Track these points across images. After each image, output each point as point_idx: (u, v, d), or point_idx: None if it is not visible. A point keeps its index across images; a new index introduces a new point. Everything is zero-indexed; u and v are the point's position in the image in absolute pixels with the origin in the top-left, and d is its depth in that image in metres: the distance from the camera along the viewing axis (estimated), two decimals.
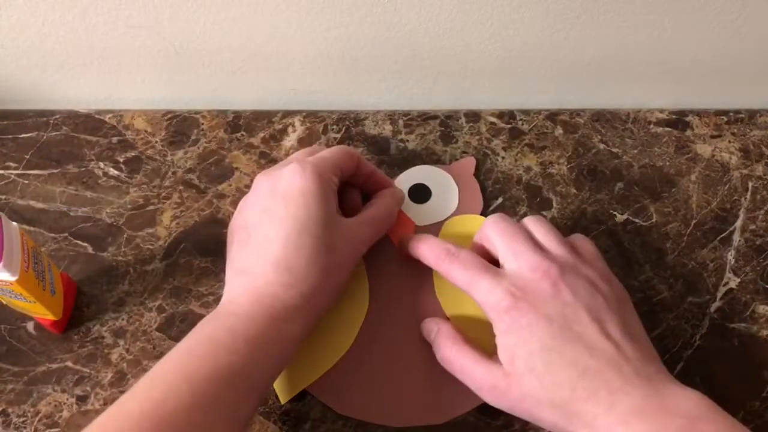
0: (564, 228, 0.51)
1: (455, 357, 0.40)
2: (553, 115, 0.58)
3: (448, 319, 0.46)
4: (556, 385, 0.35)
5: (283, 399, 0.43)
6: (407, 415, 0.43)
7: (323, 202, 0.40)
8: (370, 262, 0.49)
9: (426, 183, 0.53)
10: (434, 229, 0.50)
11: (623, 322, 0.37)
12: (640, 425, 0.32)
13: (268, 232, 0.39)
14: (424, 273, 0.48)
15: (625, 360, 0.35)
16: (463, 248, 0.42)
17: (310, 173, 0.40)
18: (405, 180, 0.53)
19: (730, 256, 0.50)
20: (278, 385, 0.44)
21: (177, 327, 0.46)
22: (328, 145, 0.56)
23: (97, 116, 0.57)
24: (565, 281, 0.37)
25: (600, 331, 0.36)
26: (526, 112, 0.58)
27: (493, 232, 0.42)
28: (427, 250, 0.43)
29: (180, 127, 0.57)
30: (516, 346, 0.36)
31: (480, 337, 0.46)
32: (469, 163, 0.54)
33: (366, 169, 0.46)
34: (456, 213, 0.51)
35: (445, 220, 0.51)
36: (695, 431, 0.32)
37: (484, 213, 0.52)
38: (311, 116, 0.58)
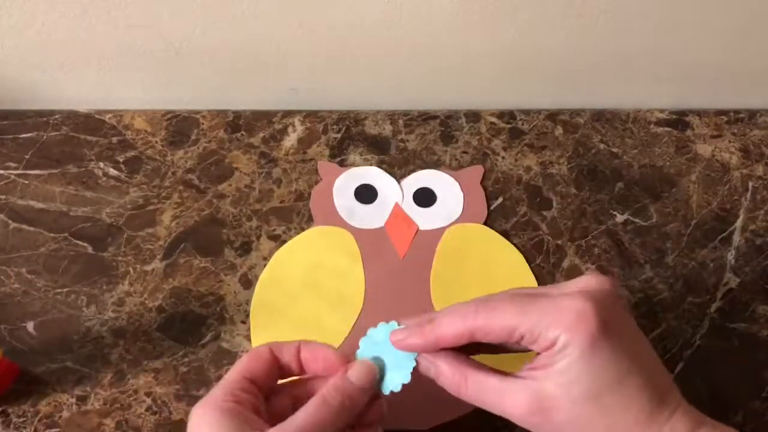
0: (564, 228, 0.51)
1: (469, 387, 0.34)
2: (553, 115, 0.58)
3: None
4: (621, 415, 0.31)
5: None
6: (394, 418, 0.43)
7: None
8: (368, 262, 0.49)
9: (432, 187, 0.53)
10: (436, 234, 0.50)
11: None
12: None
13: None
14: (419, 276, 0.48)
15: (673, 388, 0.32)
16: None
17: (194, 416, 0.33)
18: (411, 182, 0.53)
19: (730, 256, 0.50)
20: None
21: (177, 327, 0.46)
22: (328, 145, 0.56)
23: (97, 116, 0.57)
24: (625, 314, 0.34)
25: (655, 356, 0.33)
26: (526, 112, 0.58)
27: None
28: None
29: (180, 127, 0.57)
30: (584, 373, 0.31)
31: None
32: (476, 171, 0.54)
33: (292, 362, 0.36)
34: (459, 220, 0.51)
35: (448, 226, 0.51)
36: None
37: (486, 219, 0.52)
38: (311, 116, 0.58)
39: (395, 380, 0.35)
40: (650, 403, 0.30)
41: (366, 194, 0.52)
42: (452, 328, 0.32)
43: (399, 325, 0.35)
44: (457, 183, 0.53)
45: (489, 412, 0.44)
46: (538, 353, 0.32)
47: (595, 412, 0.30)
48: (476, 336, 0.32)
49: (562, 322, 0.30)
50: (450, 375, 0.33)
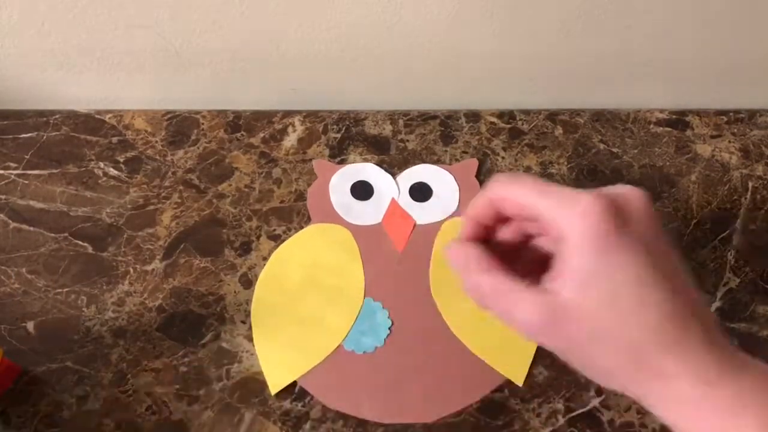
0: None
1: (489, 282, 0.30)
2: (553, 115, 0.58)
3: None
4: (640, 325, 0.28)
5: (273, 390, 0.44)
6: (397, 412, 0.43)
7: None
8: (367, 258, 0.49)
9: (427, 182, 0.53)
10: (433, 228, 0.50)
11: None
12: (729, 386, 0.27)
13: None
14: (420, 271, 0.48)
15: (702, 313, 0.29)
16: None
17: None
18: (406, 178, 0.53)
19: (730, 256, 0.50)
20: (269, 377, 0.44)
21: (177, 327, 0.46)
22: (328, 145, 0.56)
23: (97, 116, 0.57)
24: (655, 211, 0.30)
25: (686, 276, 0.29)
26: (526, 112, 0.58)
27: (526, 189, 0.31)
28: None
29: (180, 127, 0.57)
30: (599, 273, 0.28)
31: (480, 332, 0.46)
32: (471, 164, 0.54)
33: None
34: (456, 214, 0.51)
35: (445, 219, 0.51)
36: None
37: None
38: (311, 116, 0.58)
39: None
40: (676, 322, 0.27)
41: (362, 191, 0.53)
42: (477, 197, 0.31)
43: None
44: (452, 177, 0.53)
45: (489, 411, 0.44)
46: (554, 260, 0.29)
47: (611, 322, 0.27)
48: (496, 206, 0.31)
49: (575, 209, 0.28)
50: (476, 263, 0.30)
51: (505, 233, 0.33)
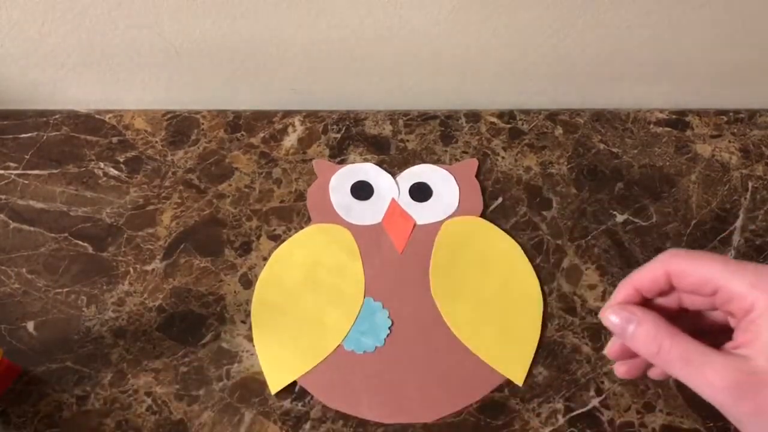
0: (564, 228, 0.51)
1: (673, 347, 0.30)
2: (553, 115, 0.58)
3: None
4: None
5: (273, 389, 0.44)
6: (397, 412, 0.43)
7: None
8: (367, 258, 0.49)
9: (427, 182, 0.53)
10: (433, 228, 0.50)
11: None
12: None
13: None
14: (420, 271, 0.48)
15: None
16: None
17: None
18: (406, 178, 0.53)
19: (730, 256, 0.50)
20: (270, 376, 0.44)
21: (177, 327, 0.46)
22: (328, 145, 0.56)
23: (97, 116, 0.57)
24: None
25: None
26: (526, 112, 0.58)
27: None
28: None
29: (180, 127, 0.57)
30: None
31: (480, 332, 0.46)
32: (471, 164, 0.54)
33: None
34: (456, 213, 0.51)
35: (445, 219, 0.51)
36: None
37: (484, 213, 0.52)
38: (311, 116, 0.58)
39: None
40: None
41: (362, 191, 0.53)
42: (648, 269, 0.32)
43: None
44: (452, 177, 0.53)
45: (489, 411, 0.44)
46: (735, 331, 0.30)
47: None
48: (672, 279, 0.31)
49: (761, 287, 0.28)
50: (653, 330, 0.30)
51: (662, 302, 0.33)
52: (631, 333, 0.31)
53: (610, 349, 0.34)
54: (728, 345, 0.30)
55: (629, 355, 0.33)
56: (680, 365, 0.30)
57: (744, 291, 0.29)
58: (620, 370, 0.34)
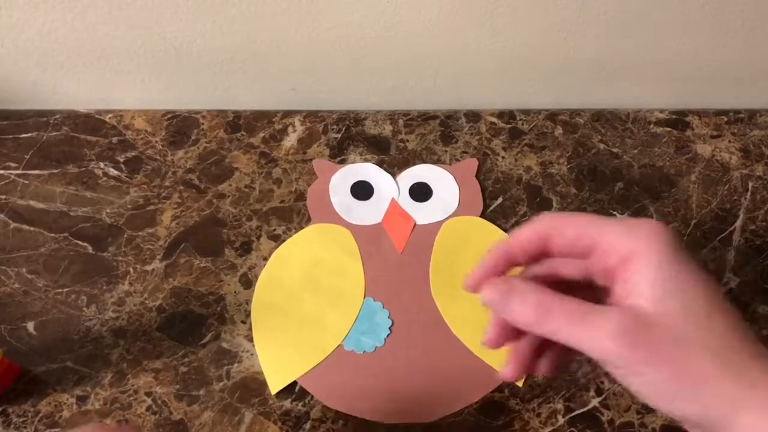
0: None
1: (557, 309, 0.29)
2: (553, 115, 0.58)
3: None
4: (718, 331, 0.27)
5: (273, 389, 0.44)
6: (397, 412, 0.43)
7: None
8: (367, 258, 0.49)
9: (427, 182, 0.53)
10: (433, 228, 0.50)
11: None
12: None
13: None
14: (420, 271, 0.48)
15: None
16: None
17: None
18: (406, 178, 0.53)
19: (730, 256, 0.50)
20: (270, 376, 0.44)
21: (177, 327, 0.46)
22: (328, 145, 0.56)
23: (97, 116, 0.57)
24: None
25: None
26: (526, 112, 0.58)
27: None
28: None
29: (180, 127, 0.57)
30: (677, 282, 0.28)
31: (480, 332, 0.46)
32: (471, 164, 0.54)
33: None
34: (456, 213, 0.51)
35: (445, 219, 0.51)
36: None
37: (484, 213, 0.52)
38: (311, 116, 0.58)
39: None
40: (749, 332, 0.27)
41: (362, 191, 0.53)
42: (521, 232, 0.30)
43: None
44: (452, 177, 0.53)
45: (489, 411, 0.44)
46: (614, 288, 0.29)
47: (695, 327, 0.27)
48: (546, 240, 0.30)
49: (643, 229, 0.28)
50: (536, 297, 0.29)
51: (538, 274, 0.32)
52: (513, 306, 0.30)
53: (489, 336, 0.32)
54: (610, 301, 0.29)
55: (510, 336, 0.32)
56: (568, 325, 0.28)
57: (620, 239, 0.28)
58: (506, 371, 0.32)
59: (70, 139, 0.55)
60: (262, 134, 0.56)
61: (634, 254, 0.28)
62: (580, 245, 0.30)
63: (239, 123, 0.57)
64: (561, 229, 0.30)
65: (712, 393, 0.27)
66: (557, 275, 0.32)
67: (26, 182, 0.53)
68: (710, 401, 0.27)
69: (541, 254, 0.31)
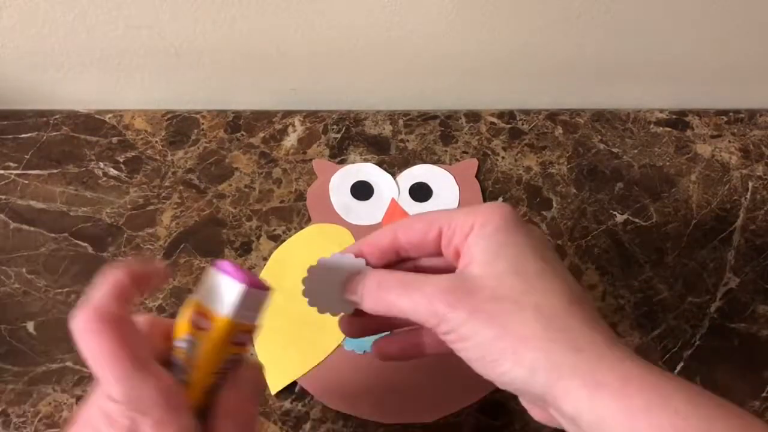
0: (564, 228, 0.51)
1: (390, 278, 0.30)
2: (553, 115, 0.58)
3: None
4: (546, 291, 0.27)
5: (273, 389, 0.44)
6: (397, 412, 0.43)
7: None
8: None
9: (427, 182, 0.53)
10: None
11: None
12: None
13: None
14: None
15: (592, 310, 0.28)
16: None
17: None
18: (406, 178, 0.53)
19: (730, 256, 0.50)
20: (270, 376, 0.44)
21: None
22: (328, 145, 0.56)
23: (97, 116, 0.57)
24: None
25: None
26: (526, 112, 0.58)
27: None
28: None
29: (180, 127, 0.57)
30: (506, 245, 0.28)
31: None
32: (471, 164, 0.54)
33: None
34: None
35: None
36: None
37: None
38: (311, 116, 0.58)
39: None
40: (579, 294, 0.27)
41: (362, 191, 0.53)
42: (375, 234, 0.33)
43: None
44: (452, 177, 0.53)
45: (489, 411, 0.44)
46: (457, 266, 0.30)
47: (522, 287, 0.27)
48: (398, 236, 0.31)
49: (475, 211, 0.29)
50: (375, 276, 0.31)
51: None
52: (359, 289, 0.31)
53: (341, 323, 0.34)
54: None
55: (362, 321, 0.33)
56: (399, 291, 0.29)
57: (464, 218, 0.29)
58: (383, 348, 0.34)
59: (70, 139, 0.55)
60: (262, 134, 0.56)
61: (473, 228, 0.29)
62: (431, 232, 0.30)
63: (239, 123, 0.57)
64: (411, 223, 0.31)
65: (534, 354, 0.25)
66: (420, 268, 0.33)
67: (26, 182, 0.53)
68: (534, 363, 0.25)
69: (393, 251, 0.32)
